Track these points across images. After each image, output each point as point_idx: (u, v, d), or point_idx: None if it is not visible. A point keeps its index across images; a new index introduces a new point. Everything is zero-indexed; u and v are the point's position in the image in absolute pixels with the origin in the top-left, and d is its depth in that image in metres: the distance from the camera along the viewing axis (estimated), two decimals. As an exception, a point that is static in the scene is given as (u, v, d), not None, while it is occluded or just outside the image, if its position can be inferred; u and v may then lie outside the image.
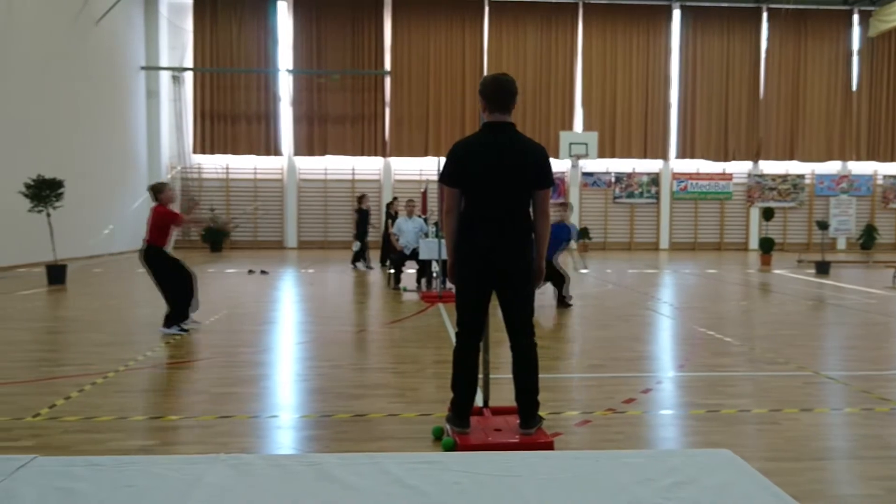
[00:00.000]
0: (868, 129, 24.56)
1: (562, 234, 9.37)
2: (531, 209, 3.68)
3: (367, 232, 15.14)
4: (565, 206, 10.13)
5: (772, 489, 2.18)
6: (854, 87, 24.49)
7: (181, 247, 22.59)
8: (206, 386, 5.13)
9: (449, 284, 11.02)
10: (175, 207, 7.55)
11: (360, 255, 15.18)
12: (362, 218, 15.00)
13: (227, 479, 2.22)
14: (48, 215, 11.64)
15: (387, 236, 14.77)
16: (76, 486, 2.16)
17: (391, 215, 14.58)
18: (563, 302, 9.37)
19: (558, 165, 22.51)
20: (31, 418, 4.23)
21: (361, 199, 15.34)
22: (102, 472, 2.28)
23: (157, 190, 7.24)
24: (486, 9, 23.44)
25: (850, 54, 24.43)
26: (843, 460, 3.67)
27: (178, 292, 7.14)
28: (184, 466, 2.32)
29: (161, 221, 7.03)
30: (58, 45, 16.29)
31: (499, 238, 3.59)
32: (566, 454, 2.80)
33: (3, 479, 2.19)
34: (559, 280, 9.41)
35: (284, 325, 8.21)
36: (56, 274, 11.78)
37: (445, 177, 3.68)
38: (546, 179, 3.67)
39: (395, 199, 16.11)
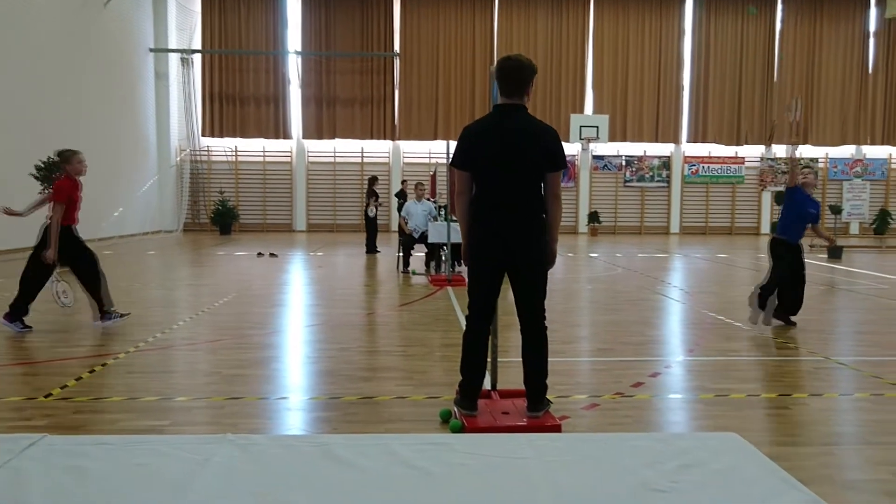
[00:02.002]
0: (884, 112, 24.20)
1: (806, 208, 6.77)
2: (542, 192, 3.66)
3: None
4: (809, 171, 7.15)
5: (779, 472, 2.17)
6: (870, 70, 24.12)
7: (190, 230, 22.70)
8: (215, 367, 5.16)
9: (458, 268, 11.05)
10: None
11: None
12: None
13: (235, 459, 2.23)
14: (59, 198, 11.68)
15: (370, 221, 14.63)
16: (85, 464, 2.18)
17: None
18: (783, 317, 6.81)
19: (569, 149, 22.35)
20: (43, 398, 4.27)
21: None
22: (111, 450, 2.30)
23: (65, 160, 6.47)
24: (497, -10, 23.21)
25: (866, 36, 24.02)
26: (853, 445, 3.65)
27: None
28: (192, 446, 2.33)
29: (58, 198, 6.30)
30: (66, 28, 16.27)
31: (510, 221, 3.57)
32: (573, 436, 2.80)
33: (13, 457, 2.21)
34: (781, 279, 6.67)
35: (294, 307, 8.24)
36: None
37: (456, 160, 3.66)
38: (557, 162, 3.63)
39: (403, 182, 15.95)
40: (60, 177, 6.49)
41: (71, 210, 6.36)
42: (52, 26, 15.63)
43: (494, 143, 3.56)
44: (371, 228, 14.88)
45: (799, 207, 6.77)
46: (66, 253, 6.37)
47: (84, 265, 6.50)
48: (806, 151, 24.39)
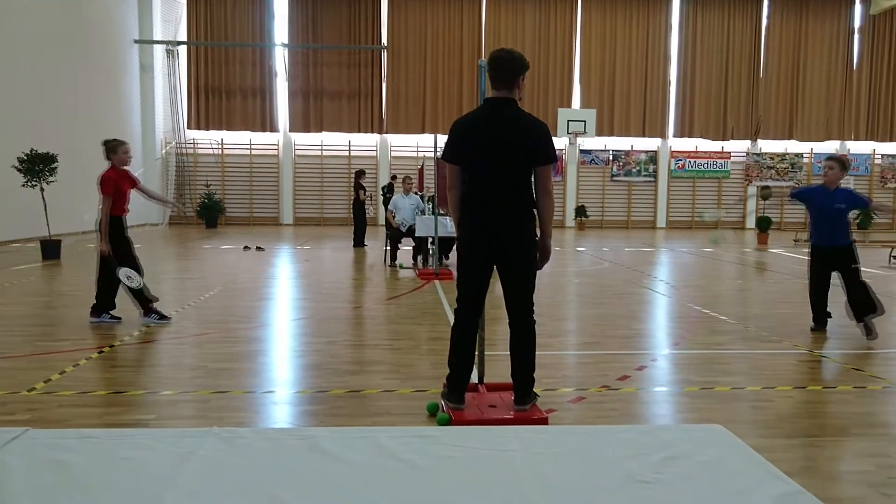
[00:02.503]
0: (868, 108, 24.44)
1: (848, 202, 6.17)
2: (533, 186, 3.66)
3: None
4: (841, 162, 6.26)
5: (763, 464, 2.19)
6: (854, 66, 24.33)
7: (177, 223, 22.53)
8: (201, 361, 5.13)
9: (445, 262, 11.05)
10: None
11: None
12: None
13: (220, 452, 2.22)
14: (42, 190, 11.56)
15: (359, 214, 14.62)
16: (68, 458, 2.16)
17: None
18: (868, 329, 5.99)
19: (556, 143, 22.25)
20: (27, 392, 4.23)
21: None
22: (95, 444, 2.28)
23: (111, 150, 6.43)
24: (485, -17, 23.15)
25: (851, 32, 24.22)
26: (836, 437, 3.70)
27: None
28: (176, 439, 2.32)
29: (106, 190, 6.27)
30: (49, 19, 16.05)
31: (501, 215, 3.57)
32: (560, 429, 2.81)
33: (-4, 451, 2.18)
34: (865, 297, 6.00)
35: (280, 301, 8.21)
36: (50, 249, 11.73)
37: (446, 153, 3.65)
38: (547, 155, 3.63)
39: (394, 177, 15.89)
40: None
41: (120, 201, 6.36)
42: (35, 17, 15.41)
43: (485, 137, 3.55)
44: (360, 222, 14.81)
45: (810, 207, 6.33)
46: (112, 241, 6.30)
47: (118, 257, 6.35)
48: (791, 147, 24.58)
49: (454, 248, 9.14)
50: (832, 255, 6.16)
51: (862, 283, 6.05)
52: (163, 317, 6.44)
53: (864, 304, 5.98)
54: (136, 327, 6.20)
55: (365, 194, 14.75)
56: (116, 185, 6.28)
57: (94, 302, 6.42)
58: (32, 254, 12.15)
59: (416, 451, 2.21)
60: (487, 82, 3.72)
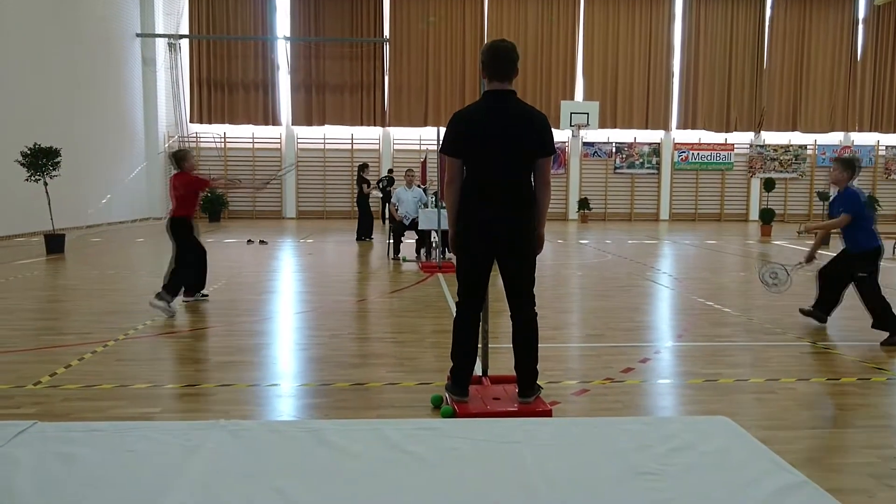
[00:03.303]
0: (872, 99, 24.33)
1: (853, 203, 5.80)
2: (532, 179, 3.65)
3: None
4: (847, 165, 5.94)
5: (769, 455, 2.19)
6: (859, 57, 24.20)
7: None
8: (206, 354, 5.14)
9: (449, 255, 11.04)
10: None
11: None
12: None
13: (226, 445, 2.23)
14: (45, 184, 11.57)
15: (363, 207, 14.61)
16: (76, 451, 2.17)
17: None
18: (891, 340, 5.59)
19: (559, 135, 22.34)
20: (32, 386, 4.25)
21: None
22: (102, 437, 2.29)
23: (181, 157, 6.91)
24: (487, -25, 23.06)
25: (855, 23, 24.08)
26: (839, 429, 3.70)
27: (192, 265, 6.99)
28: (183, 432, 2.33)
29: (189, 188, 6.83)
30: (51, 12, 16.03)
31: (501, 208, 3.56)
32: (565, 420, 2.81)
33: (3, 444, 2.19)
34: (878, 301, 5.71)
35: (284, 294, 8.22)
36: (54, 243, 11.75)
37: (447, 146, 3.63)
38: (548, 147, 3.62)
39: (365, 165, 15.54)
40: (181, 174, 6.96)
41: (192, 202, 6.96)
42: (37, 11, 15.39)
43: (488, 129, 3.54)
44: (365, 215, 14.74)
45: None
46: (179, 235, 6.84)
47: (182, 252, 6.84)
48: (795, 138, 24.49)
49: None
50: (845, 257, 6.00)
51: (874, 293, 5.70)
52: (171, 307, 6.52)
53: (879, 318, 5.69)
54: (140, 321, 6.22)
55: (369, 187, 14.74)
56: (195, 188, 6.94)
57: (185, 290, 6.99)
58: (36, 248, 12.18)
59: (422, 444, 2.22)
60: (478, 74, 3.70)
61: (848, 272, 5.92)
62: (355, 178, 15.39)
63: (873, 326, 5.76)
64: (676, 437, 2.29)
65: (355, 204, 15.10)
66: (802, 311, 6.37)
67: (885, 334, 5.63)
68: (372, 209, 15.09)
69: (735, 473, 2.06)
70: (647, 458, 2.14)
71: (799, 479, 2.02)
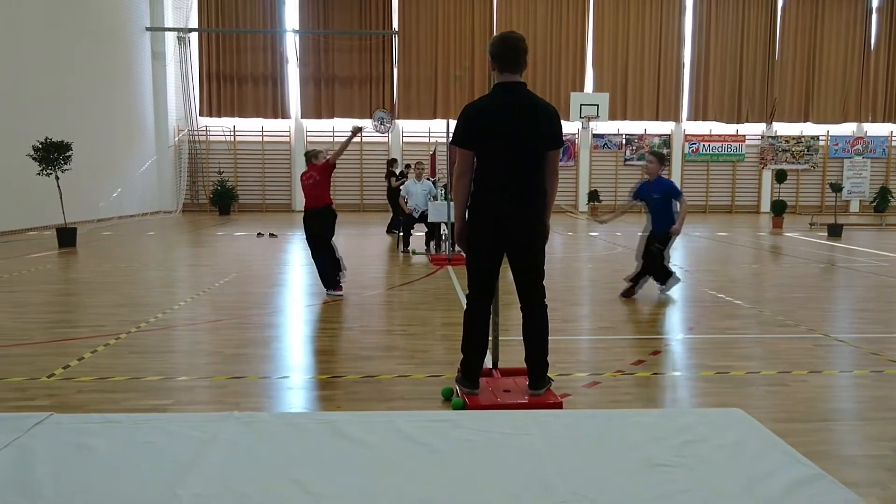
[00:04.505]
0: (886, 89, 24.06)
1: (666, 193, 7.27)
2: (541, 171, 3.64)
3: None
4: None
5: (783, 447, 2.18)
6: (872, 47, 23.93)
7: (189, 210, 22.64)
8: (217, 347, 5.17)
9: (458, 247, 11.03)
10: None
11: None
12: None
13: (241, 436, 2.24)
14: (57, 178, 11.64)
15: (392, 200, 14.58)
16: (92, 442, 2.18)
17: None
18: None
19: (569, 127, 22.23)
20: (46, 378, 4.28)
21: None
22: (118, 428, 2.30)
23: (313, 155, 7.74)
24: (496, -34, 22.92)
25: (868, 12, 23.81)
26: (852, 421, 3.67)
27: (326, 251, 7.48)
28: (198, 424, 2.34)
29: (326, 173, 7.59)
30: (61, 7, 16.08)
31: (513, 200, 3.55)
32: (578, 412, 2.81)
33: (20, 435, 2.22)
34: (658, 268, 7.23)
35: (294, 287, 8.25)
36: (66, 237, 11.83)
37: (458, 139, 3.60)
38: (557, 139, 3.62)
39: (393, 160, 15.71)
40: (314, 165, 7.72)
41: (329, 185, 7.70)
42: (47, 6, 15.44)
43: (501, 121, 3.52)
44: (396, 208, 14.63)
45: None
46: (333, 221, 7.69)
47: (326, 240, 7.47)
48: (807, 129, 24.28)
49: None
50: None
51: (656, 258, 7.13)
52: (338, 289, 7.24)
53: (658, 273, 7.18)
54: (152, 314, 6.26)
55: (397, 181, 14.72)
56: (330, 169, 7.62)
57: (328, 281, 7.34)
58: (49, 242, 12.27)
59: (435, 435, 2.22)
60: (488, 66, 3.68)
61: (650, 246, 7.15)
62: (385, 172, 15.45)
63: (647, 273, 7.12)
64: (691, 430, 2.28)
65: (387, 198, 15.25)
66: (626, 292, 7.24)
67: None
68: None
69: (750, 466, 2.05)
70: (662, 451, 2.14)
71: (814, 471, 2.01)
